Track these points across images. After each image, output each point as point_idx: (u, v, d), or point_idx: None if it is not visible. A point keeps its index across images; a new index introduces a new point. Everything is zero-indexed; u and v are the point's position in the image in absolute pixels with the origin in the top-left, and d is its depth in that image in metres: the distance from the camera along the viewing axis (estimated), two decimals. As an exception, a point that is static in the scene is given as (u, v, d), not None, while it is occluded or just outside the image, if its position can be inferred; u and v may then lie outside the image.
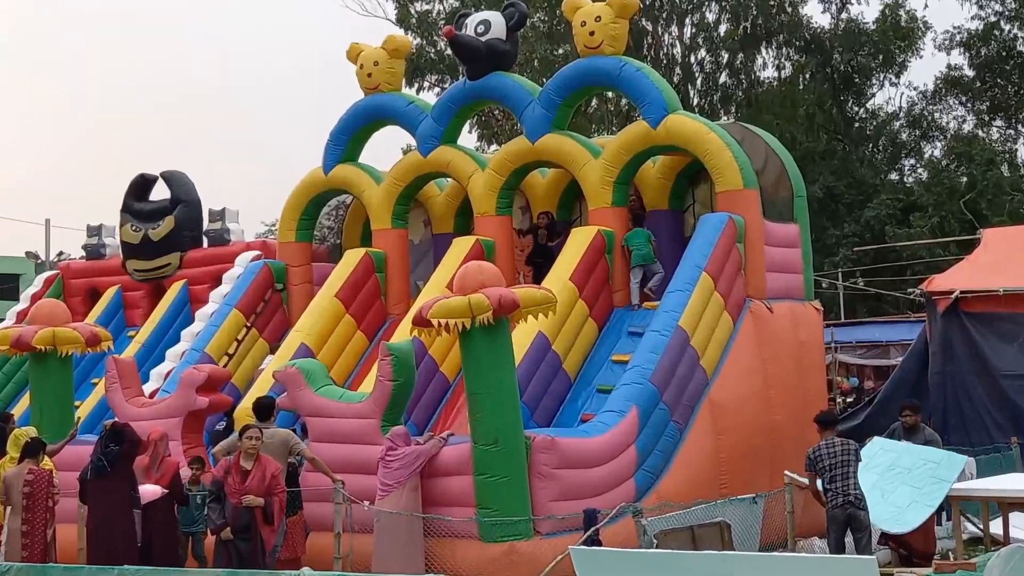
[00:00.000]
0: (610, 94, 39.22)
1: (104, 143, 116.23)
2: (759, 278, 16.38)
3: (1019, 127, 43.74)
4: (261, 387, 16.21)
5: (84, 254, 23.52)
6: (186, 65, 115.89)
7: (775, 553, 11.69)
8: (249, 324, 18.75)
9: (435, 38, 42.21)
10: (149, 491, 13.09)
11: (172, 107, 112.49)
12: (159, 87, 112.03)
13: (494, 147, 38.81)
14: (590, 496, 13.06)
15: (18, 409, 18.99)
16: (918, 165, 44.24)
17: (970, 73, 42.51)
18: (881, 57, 42.70)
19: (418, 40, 42.26)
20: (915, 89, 44.24)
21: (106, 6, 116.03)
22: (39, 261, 50.19)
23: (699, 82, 44.85)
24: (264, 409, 13.80)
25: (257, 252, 20.30)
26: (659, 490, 13.98)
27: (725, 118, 40.24)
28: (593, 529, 12.11)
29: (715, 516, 12.62)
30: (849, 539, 12.71)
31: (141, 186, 22.09)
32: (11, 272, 62.04)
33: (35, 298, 21.45)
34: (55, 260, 45.95)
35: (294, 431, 14.16)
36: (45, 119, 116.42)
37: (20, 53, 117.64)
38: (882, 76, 43.89)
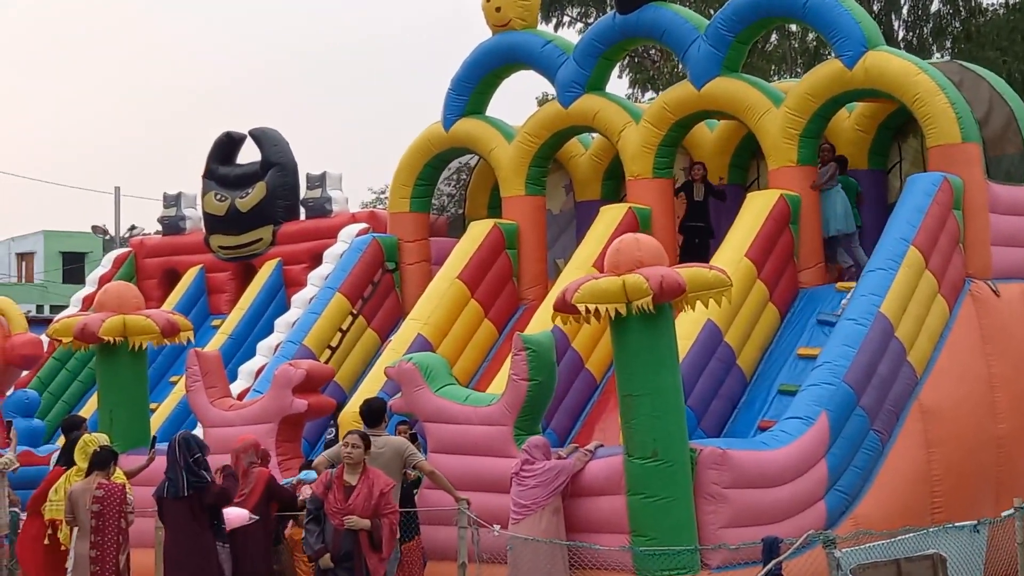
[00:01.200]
0: (794, 28, 38.80)
1: (184, 101, 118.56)
2: (982, 253, 16.14)
3: None
4: (370, 387, 16.39)
5: (160, 228, 24.02)
6: (278, 14, 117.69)
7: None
8: (355, 311, 19.00)
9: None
10: (234, 516, 12.98)
11: (264, 58, 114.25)
12: (248, 38, 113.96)
13: (650, 95, 38.62)
14: (770, 522, 12.93)
15: (85, 411, 19.51)
16: None
17: None
18: None
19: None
20: None
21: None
22: (108, 237, 51.33)
23: (905, 11, 44.10)
24: (374, 413, 13.82)
25: (364, 225, 20.54)
26: (856, 515, 13.81)
27: (939, 55, 39.51)
28: (775, 562, 11.99)
29: (927, 547, 12.42)
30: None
31: (227, 147, 22.47)
32: (76, 250, 63.84)
33: (103, 280, 21.98)
34: (126, 236, 46.91)
35: (411, 439, 14.29)
36: (115, 75, 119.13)
37: (92, 6, 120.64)
38: None
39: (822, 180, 17.05)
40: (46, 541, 13.84)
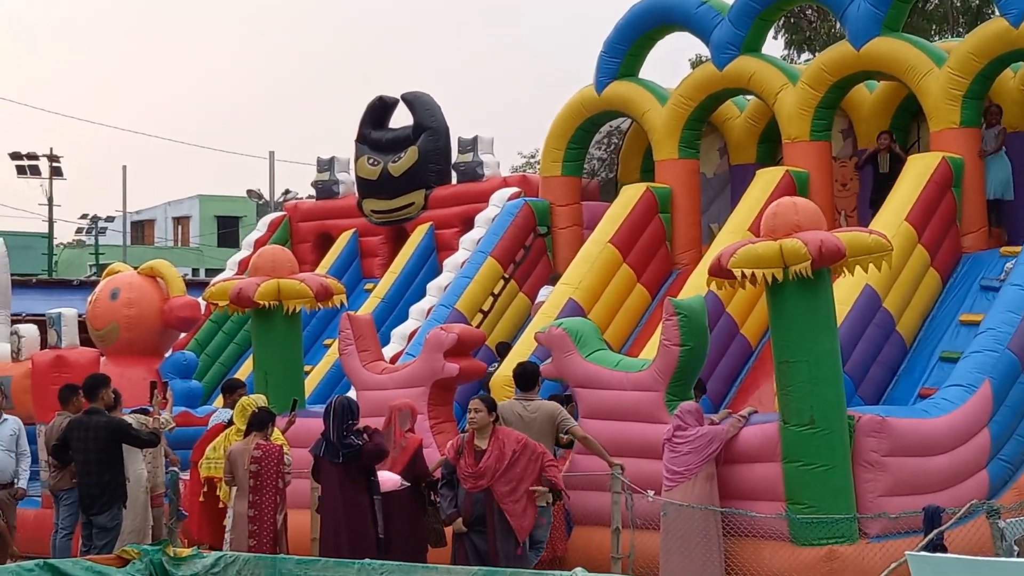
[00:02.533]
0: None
1: (337, 63, 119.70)
2: None
3: None
4: (522, 351, 16.43)
5: (314, 193, 24.30)
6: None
7: None
8: (507, 275, 19.04)
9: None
10: (386, 480, 13.06)
11: (417, 21, 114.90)
12: (401, 1, 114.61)
13: (807, 56, 38.22)
14: (931, 491, 12.76)
15: (240, 373, 19.82)
16: None
17: None
18: None
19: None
20: None
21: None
22: (262, 201, 52.10)
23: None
24: (527, 377, 13.86)
25: (516, 189, 20.58)
26: (1020, 485, 13.58)
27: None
28: (936, 532, 11.82)
29: (1097, 520, 12.19)
30: None
31: (379, 111, 22.63)
32: (231, 214, 64.90)
33: (258, 244, 22.24)
34: (280, 200, 47.56)
35: (566, 402, 14.29)
36: (269, 36, 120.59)
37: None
38: None
39: (989, 145, 16.77)
40: (201, 498, 14.12)
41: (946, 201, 16.29)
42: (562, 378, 14.66)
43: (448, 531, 12.98)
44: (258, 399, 13.96)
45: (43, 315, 22.33)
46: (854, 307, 14.93)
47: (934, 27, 39.45)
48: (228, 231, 64.71)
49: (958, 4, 41.30)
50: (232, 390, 15.45)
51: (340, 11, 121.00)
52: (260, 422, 13.41)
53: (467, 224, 20.46)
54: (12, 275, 21.90)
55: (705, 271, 13.68)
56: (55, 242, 55.86)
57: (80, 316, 21.51)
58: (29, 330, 20.50)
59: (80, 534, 14.13)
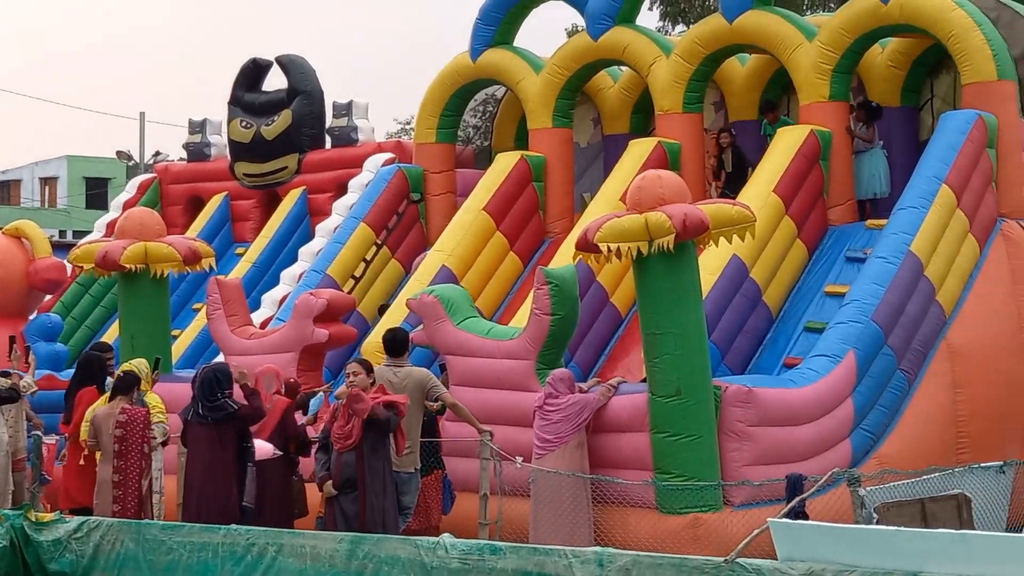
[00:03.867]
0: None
1: (210, 23, 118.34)
2: (1015, 193, 16.05)
3: None
4: (393, 318, 16.40)
5: (185, 155, 24.04)
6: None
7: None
8: (380, 242, 19.00)
9: None
10: (258, 449, 12.91)
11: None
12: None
13: (681, 28, 38.45)
14: (795, 460, 12.89)
15: (107, 337, 19.58)
16: None
17: None
18: None
19: None
20: None
21: None
22: (132, 163, 51.42)
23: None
24: (397, 344, 13.72)
25: (390, 155, 20.51)
26: (881, 454, 13.81)
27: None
28: (798, 499, 11.94)
29: (951, 488, 12.41)
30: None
31: (253, 73, 22.44)
32: (100, 176, 63.99)
33: (127, 206, 21.90)
34: (151, 162, 47.03)
35: (437, 370, 14.29)
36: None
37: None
38: None
39: (861, 144, 17.04)
40: (82, 461, 13.89)
41: (814, 174, 16.49)
42: (433, 345, 14.66)
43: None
44: (140, 363, 13.74)
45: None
46: (721, 277, 15.09)
47: (806, 2, 39.82)
48: (96, 193, 63.73)
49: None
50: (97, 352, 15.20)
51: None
52: (125, 386, 13.19)
53: (340, 189, 20.36)
54: None
55: (573, 241, 13.72)
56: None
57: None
58: None
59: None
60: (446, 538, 11.00)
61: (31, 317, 20.46)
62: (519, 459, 13.04)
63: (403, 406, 12.34)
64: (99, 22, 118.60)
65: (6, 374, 14.71)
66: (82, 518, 12.69)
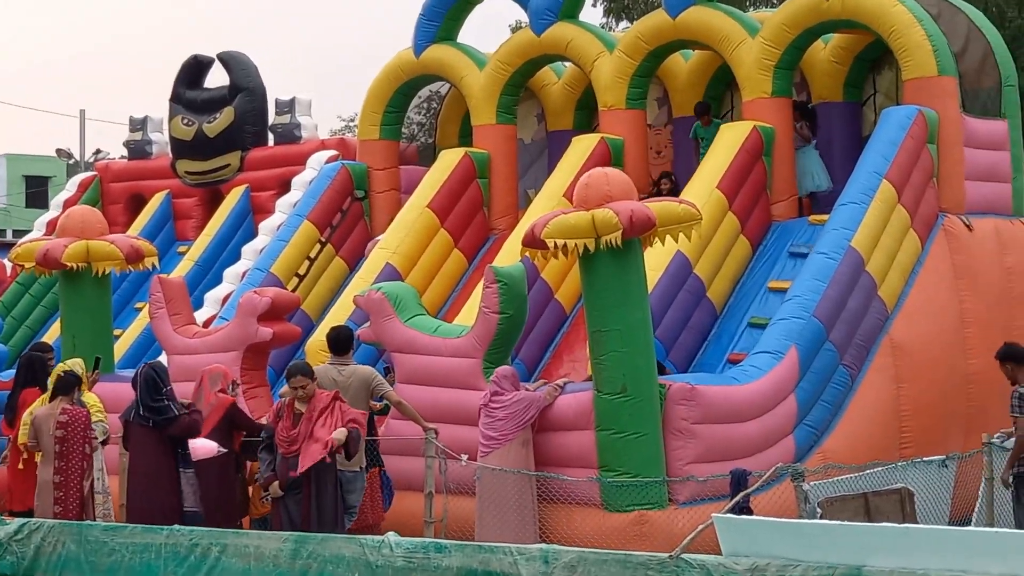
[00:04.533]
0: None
1: (151, 21, 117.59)
2: (956, 188, 16.15)
3: None
4: (338, 316, 16.38)
5: (126, 153, 23.91)
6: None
7: (971, 528, 11.61)
8: (324, 239, 18.96)
9: None
10: (201, 447, 12.82)
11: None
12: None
13: (624, 24, 38.48)
14: (740, 456, 12.97)
15: (48, 337, 19.43)
16: None
17: None
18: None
19: None
20: None
21: None
22: (72, 161, 51.20)
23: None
24: (341, 342, 13.74)
25: (334, 152, 20.48)
26: (824, 449, 13.89)
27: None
28: (742, 495, 12.01)
29: (894, 482, 12.50)
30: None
31: (194, 70, 22.34)
32: (40, 175, 63.47)
33: (67, 205, 21.78)
34: (91, 160, 46.72)
35: (380, 370, 14.28)
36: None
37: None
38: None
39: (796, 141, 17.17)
40: (21, 465, 13.80)
41: (757, 170, 16.57)
42: (380, 343, 14.64)
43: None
44: (77, 363, 13.66)
45: None
46: (665, 273, 15.15)
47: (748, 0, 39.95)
48: (36, 191, 63.12)
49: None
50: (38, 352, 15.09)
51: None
52: (66, 386, 13.10)
53: (284, 187, 20.31)
54: None
55: (521, 238, 13.71)
56: None
57: None
58: None
59: None
60: (391, 536, 11.01)
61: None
62: (464, 457, 13.04)
63: (362, 426, 12.43)
64: (36, 17, 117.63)
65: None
66: (22, 520, 12.62)
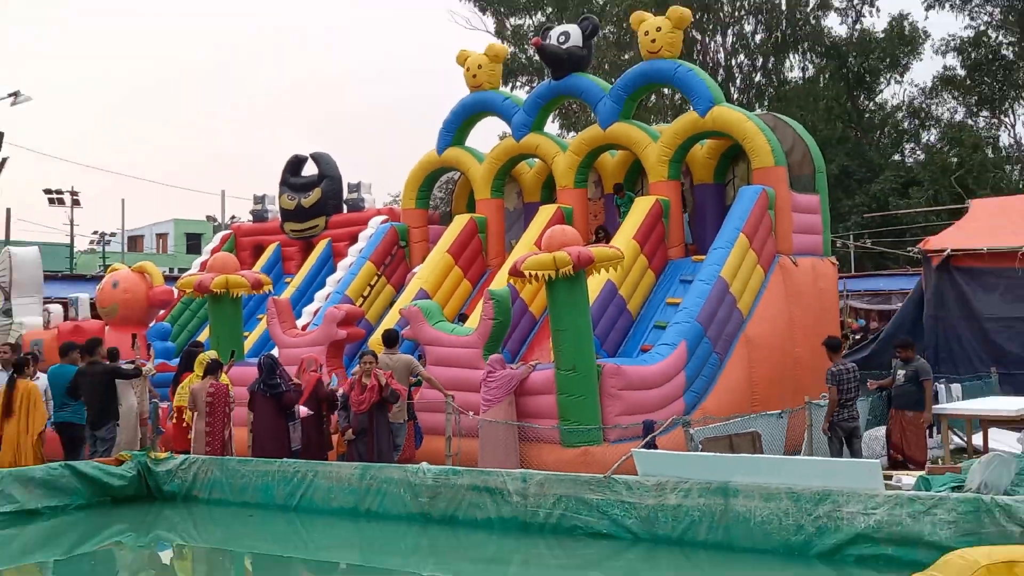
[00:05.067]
0: (667, 90, 38.82)
1: (268, 129, 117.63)
2: (786, 238, 16.15)
3: (1002, 117, 42.69)
4: (389, 322, 16.33)
5: (251, 217, 23.85)
6: (329, 74, 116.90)
7: (796, 457, 11.61)
8: (379, 273, 18.82)
9: (525, 47, 41.99)
10: (301, 410, 13.03)
11: (324, 110, 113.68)
12: (312, 105, 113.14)
13: (572, 133, 38.60)
14: (649, 411, 13.01)
15: (201, 337, 19.35)
16: (917, 148, 43.49)
17: (962, 72, 41.56)
18: (888, 60, 42.05)
19: (512, 48, 42.13)
20: (916, 86, 43.59)
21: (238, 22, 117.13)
22: (216, 223, 51.02)
23: (738, 81, 44.25)
24: (390, 339, 13.82)
25: (385, 216, 20.42)
26: (703, 407, 13.90)
27: (759, 110, 39.63)
28: (651, 436, 12.08)
29: (748, 427, 12.53)
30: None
31: (295, 164, 22.30)
32: (196, 232, 63.38)
33: (213, 252, 21.73)
34: (229, 222, 46.63)
35: (416, 357, 14.26)
36: (221, 110, 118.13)
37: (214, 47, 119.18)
38: (888, 76, 43.23)
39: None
40: (174, 421, 13.79)
41: (659, 226, 16.53)
42: (416, 339, 14.62)
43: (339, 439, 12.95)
44: (211, 354, 13.67)
45: (66, 298, 21.70)
46: (600, 293, 15.10)
47: (652, 116, 40.15)
48: (193, 243, 63.02)
49: (668, 102, 42.10)
50: (194, 347, 15.03)
51: (254, 100, 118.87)
52: (212, 369, 13.21)
53: (353, 239, 20.20)
54: (44, 271, 21.17)
55: (507, 271, 13.73)
56: (75, 250, 53.89)
57: (91, 299, 20.99)
58: (56, 308, 19.96)
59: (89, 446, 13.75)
60: (424, 465, 11.00)
61: (151, 325, 20.22)
62: (471, 413, 13.06)
63: (401, 389, 12.48)
64: (197, 128, 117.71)
65: (132, 362, 14.59)
66: (184, 456, 12.63)
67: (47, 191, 53.06)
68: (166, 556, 10.58)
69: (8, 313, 19.54)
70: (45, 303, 20.35)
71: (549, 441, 12.79)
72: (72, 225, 52.76)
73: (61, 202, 53.14)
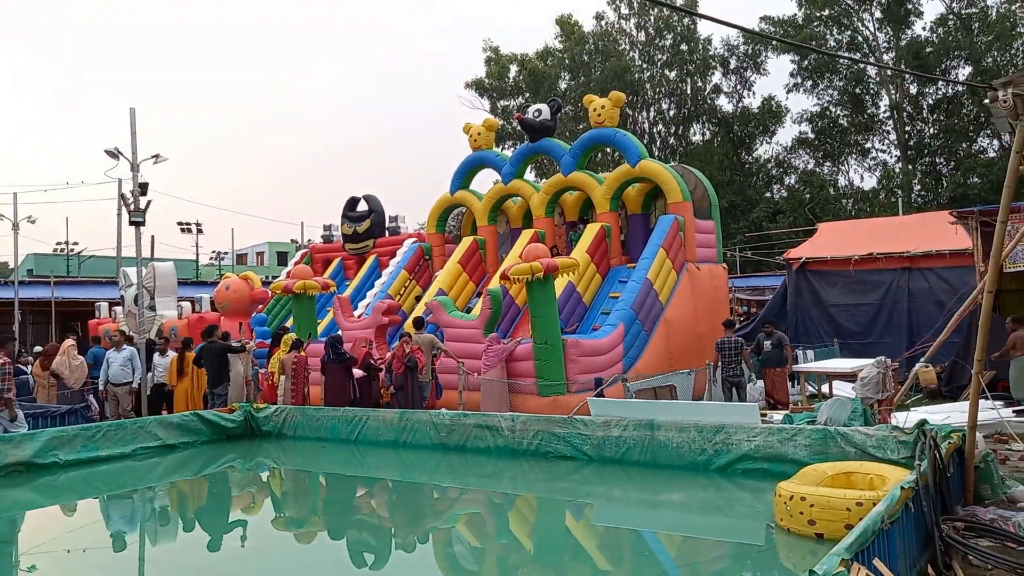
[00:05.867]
0: (609, 149, 38.67)
1: (334, 174, 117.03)
2: (692, 251, 16.09)
3: (840, 166, 42.72)
4: (417, 311, 16.25)
5: (322, 240, 23.74)
6: (372, 135, 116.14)
7: (700, 402, 11.62)
8: (411, 278, 18.72)
9: (511, 120, 41.93)
10: (357, 372, 13.09)
11: (369, 160, 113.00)
12: (361, 153, 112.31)
13: (544, 179, 38.49)
14: (598, 371, 13.02)
15: (287, 324, 19.26)
16: (782, 188, 43.47)
17: (812, 135, 41.65)
18: (761, 127, 42.03)
19: (502, 121, 42.01)
20: (780, 144, 43.68)
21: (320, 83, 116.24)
22: (297, 244, 50.75)
23: (658, 142, 44.19)
24: (419, 323, 13.76)
25: (415, 238, 20.29)
26: (636, 368, 13.83)
27: (672, 162, 39.68)
28: (600, 388, 12.11)
29: (667, 382, 12.56)
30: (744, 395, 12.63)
31: (352, 202, 22.09)
32: (283, 251, 63.09)
33: (295, 264, 21.58)
34: (306, 243, 46.40)
35: (436, 335, 14.22)
36: (299, 160, 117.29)
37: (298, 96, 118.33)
38: (761, 138, 43.17)
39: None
40: (269, 382, 13.70)
41: (603, 244, 16.45)
42: (437, 323, 14.56)
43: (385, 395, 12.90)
44: (294, 336, 13.62)
45: (193, 298, 21.53)
46: (563, 291, 15.02)
47: (599, 167, 40.09)
48: (281, 258, 62.68)
49: (610, 157, 42.08)
50: (284, 332, 14.95)
51: (319, 155, 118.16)
52: (296, 346, 13.16)
53: (393, 255, 20.11)
54: (177, 279, 21.08)
55: (499, 276, 13.69)
56: (199, 263, 53.66)
57: (210, 298, 20.81)
58: (185, 304, 19.81)
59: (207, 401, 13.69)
60: (443, 411, 10.95)
61: (252, 315, 20.07)
62: (475, 374, 13.01)
63: (421, 356, 12.36)
64: (280, 171, 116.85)
65: (239, 342, 14.50)
66: (276, 406, 12.56)
67: (180, 223, 52.82)
68: (264, 475, 10.53)
69: (153, 308, 19.46)
70: (179, 301, 20.23)
71: (530, 393, 12.77)
72: (197, 246, 52.53)
73: (189, 231, 52.87)
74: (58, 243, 44.73)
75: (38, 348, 14.02)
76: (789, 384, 14.03)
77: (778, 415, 10.47)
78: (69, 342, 13.95)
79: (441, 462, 10.24)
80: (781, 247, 34.17)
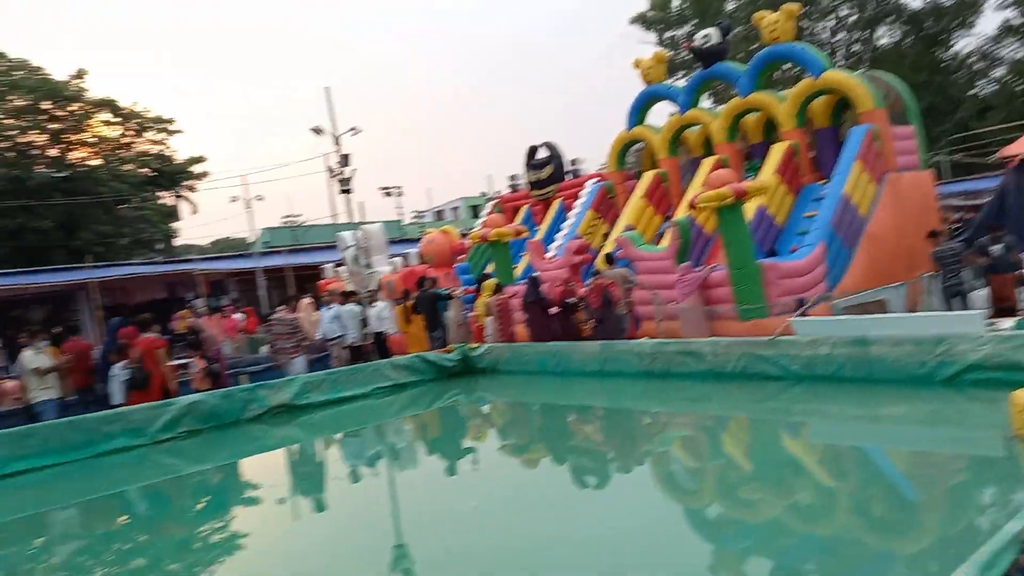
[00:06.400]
0: (787, 65, 35.97)
1: (521, 129, 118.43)
2: (891, 160, 14.66)
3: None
4: (607, 248, 16.13)
5: (510, 189, 24.11)
6: (552, 85, 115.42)
7: (914, 314, 10.65)
8: (598, 216, 18.58)
9: (679, 51, 40.03)
10: (555, 311, 13.20)
11: (551, 103, 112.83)
12: (542, 98, 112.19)
13: (721, 106, 36.56)
14: (800, 292, 12.27)
15: (487, 270, 19.87)
16: (989, 82, 38.37)
17: (1021, 20, 36.16)
18: (957, 20, 37.14)
19: (671, 52, 40.23)
20: (982, 35, 38.36)
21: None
22: (487, 196, 52.21)
23: (841, 52, 40.41)
24: (610, 258, 13.66)
25: (598, 178, 20.07)
26: (842, 286, 12.90)
27: (860, 70, 36.14)
28: (803, 308, 11.43)
29: (876, 297, 11.63)
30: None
31: (532, 151, 22.18)
32: (475, 204, 65.28)
33: (488, 215, 21.99)
34: (496, 193, 47.56)
35: (628, 269, 14.06)
36: (492, 123, 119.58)
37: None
38: (958, 32, 38.15)
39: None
40: (476, 325, 14.20)
41: (793, 163, 15.39)
42: (628, 257, 14.37)
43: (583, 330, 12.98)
44: (494, 280, 13.94)
45: (402, 253, 22.75)
46: (755, 215, 14.27)
47: (780, 84, 37.36)
48: (475, 211, 64.84)
49: (788, 74, 39.12)
50: (484, 278, 15.40)
51: (504, 111, 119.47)
52: (497, 289, 13.47)
53: (577, 196, 20.03)
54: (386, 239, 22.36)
55: (686, 206, 13.22)
56: (403, 223, 56.71)
57: (417, 252, 21.86)
58: (396, 259, 20.96)
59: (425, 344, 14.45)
60: (644, 340, 10.84)
61: (455, 265, 20.91)
62: (671, 304, 12.75)
63: (616, 290, 12.29)
64: (476, 139, 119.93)
65: (447, 290, 15.11)
66: (486, 345, 13.02)
67: (382, 188, 56.09)
68: (486, 408, 11.02)
69: (369, 266, 20.83)
70: (390, 258, 21.47)
71: (729, 318, 12.34)
72: (400, 208, 55.61)
73: (390, 194, 55.95)
74: (284, 216, 49.12)
75: (281, 307, 15.47)
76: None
77: (1008, 322, 9.35)
78: (307, 300, 15.26)
79: (647, 388, 10.17)
80: (995, 146, 30.27)
